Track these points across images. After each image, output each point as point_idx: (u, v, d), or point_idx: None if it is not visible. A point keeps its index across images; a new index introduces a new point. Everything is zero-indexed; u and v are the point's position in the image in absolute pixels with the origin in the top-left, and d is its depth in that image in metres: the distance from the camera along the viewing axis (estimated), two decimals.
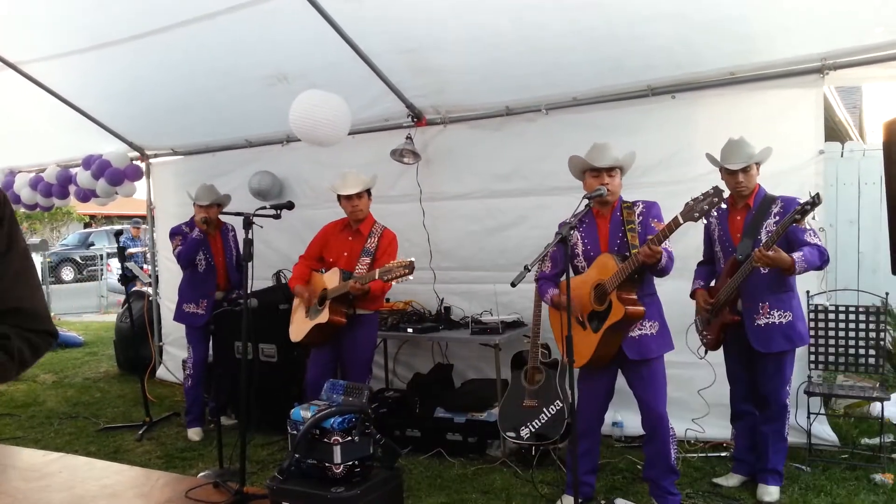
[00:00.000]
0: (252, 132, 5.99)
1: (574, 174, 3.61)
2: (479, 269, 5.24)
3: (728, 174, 3.61)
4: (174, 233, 5.30)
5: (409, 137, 5.14)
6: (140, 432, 5.32)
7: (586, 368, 3.47)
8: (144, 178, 6.91)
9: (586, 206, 3.40)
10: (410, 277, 3.87)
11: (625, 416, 4.53)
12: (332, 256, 4.45)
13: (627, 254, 3.27)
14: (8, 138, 6.85)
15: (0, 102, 6.07)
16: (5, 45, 5.21)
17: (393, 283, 3.94)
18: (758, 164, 3.59)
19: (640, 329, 3.38)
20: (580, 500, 3.24)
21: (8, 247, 1.40)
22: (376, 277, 3.92)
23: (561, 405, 4.11)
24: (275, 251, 5.90)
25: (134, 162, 6.72)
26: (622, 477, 4.04)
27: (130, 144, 6.65)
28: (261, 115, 5.57)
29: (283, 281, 5.60)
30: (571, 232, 3.34)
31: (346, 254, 4.40)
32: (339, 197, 4.40)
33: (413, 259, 3.85)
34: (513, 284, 2.96)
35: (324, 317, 4.18)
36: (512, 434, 4.18)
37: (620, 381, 3.55)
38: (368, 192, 4.44)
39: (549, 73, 4.46)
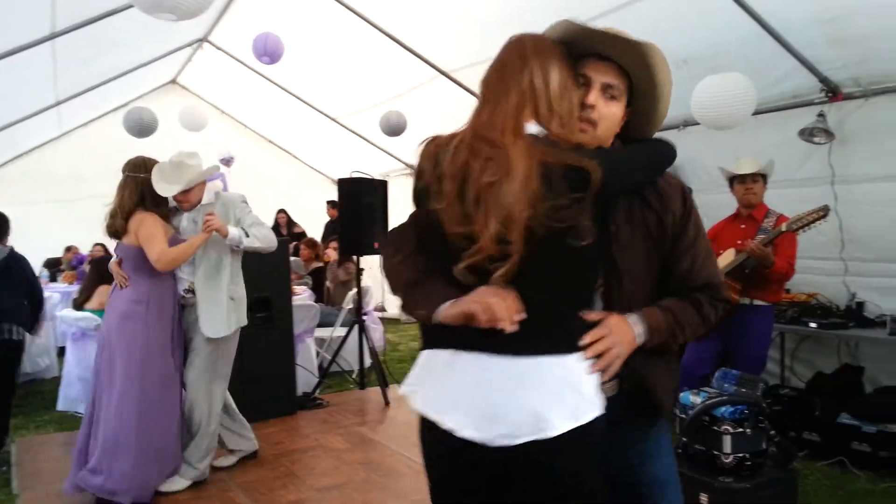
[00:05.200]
0: None
1: None
2: None
3: None
4: None
5: (821, 115, 4.69)
6: None
7: None
8: None
9: None
10: (824, 222, 3.66)
11: None
12: (723, 249, 4.27)
13: None
14: None
15: None
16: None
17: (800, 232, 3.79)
18: None
19: None
20: None
21: (697, 232, 1.73)
22: (783, 230, 3.71)
23: None
24: None
25: None
26: None
27: None
28: None
29: None
30: None
31: (739, 241, 4.20)
32: (732, 181, 4.27)
33: (827, 204, 3.58)
34: None
35: None
36: None
37: None
38: (764, 178, 4.22)
39: None
